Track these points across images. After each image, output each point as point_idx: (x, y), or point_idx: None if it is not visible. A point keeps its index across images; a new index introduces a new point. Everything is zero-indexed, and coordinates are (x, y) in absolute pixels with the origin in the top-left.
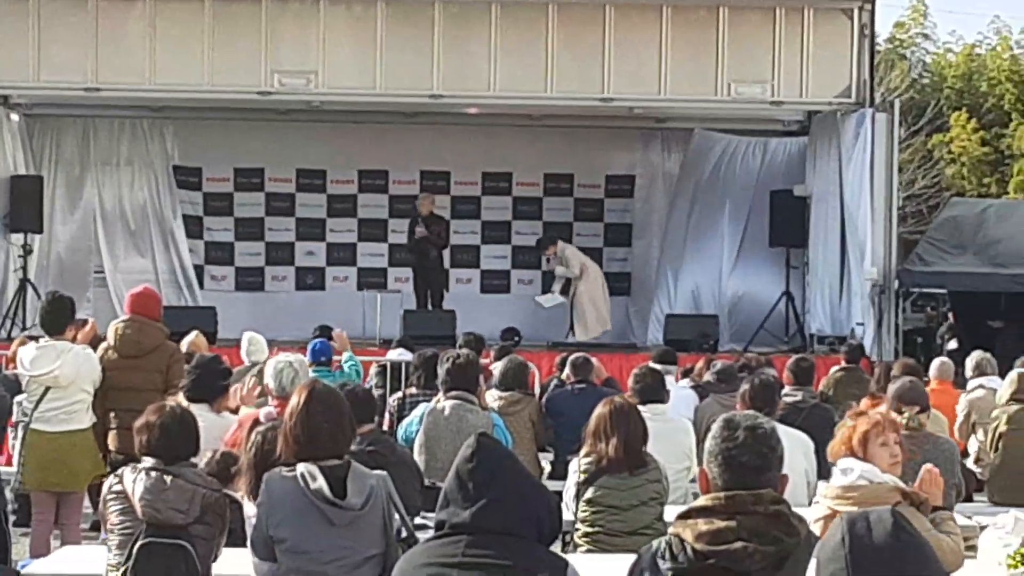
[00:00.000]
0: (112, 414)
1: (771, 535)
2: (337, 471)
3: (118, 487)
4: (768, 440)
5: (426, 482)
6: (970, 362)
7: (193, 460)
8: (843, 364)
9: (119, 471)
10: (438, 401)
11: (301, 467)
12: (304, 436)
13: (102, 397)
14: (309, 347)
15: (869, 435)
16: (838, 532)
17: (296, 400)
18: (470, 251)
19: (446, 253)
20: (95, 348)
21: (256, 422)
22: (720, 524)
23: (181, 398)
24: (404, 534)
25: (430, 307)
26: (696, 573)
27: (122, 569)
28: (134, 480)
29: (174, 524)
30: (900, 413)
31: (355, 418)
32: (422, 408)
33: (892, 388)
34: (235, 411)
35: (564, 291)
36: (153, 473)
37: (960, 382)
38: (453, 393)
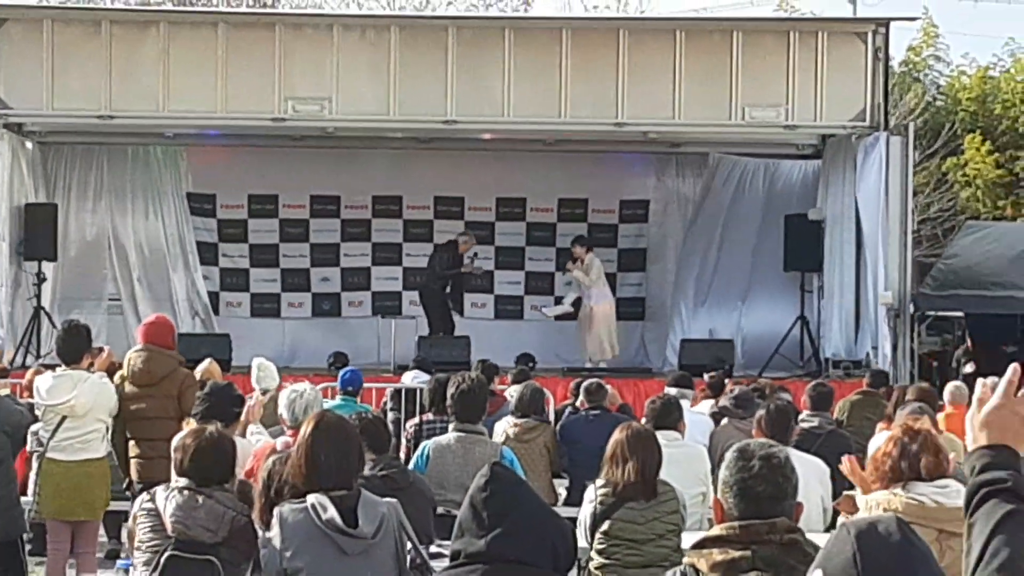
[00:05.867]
0: (130, 443)
1: (786, 564)
2: (347, 500)
3: (149, 504)
4: (783, 469)
5: (439, 510)
6: None
7: (226, 485)
8: (864, 388)
9: (151, 490)
10: (443, 434)
11: (311, 498)
12: (309, 467)
13: (120, 427)
14: (340, 375)
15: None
16: (847, 547)
17: (303, 431)
18: (484, 276)
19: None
20: (111, 376)
21: (273, 452)
22: (735, 554)
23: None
24: (417, 561)
25: (443, 332)
26: None
27: None
28: (166, 498)
29: (202, 541)
30: None
31: (369, 447)
32: (425, 445)
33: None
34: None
35: (575, 307)
36: (186, 492)
37: None
38: (457, 425)
